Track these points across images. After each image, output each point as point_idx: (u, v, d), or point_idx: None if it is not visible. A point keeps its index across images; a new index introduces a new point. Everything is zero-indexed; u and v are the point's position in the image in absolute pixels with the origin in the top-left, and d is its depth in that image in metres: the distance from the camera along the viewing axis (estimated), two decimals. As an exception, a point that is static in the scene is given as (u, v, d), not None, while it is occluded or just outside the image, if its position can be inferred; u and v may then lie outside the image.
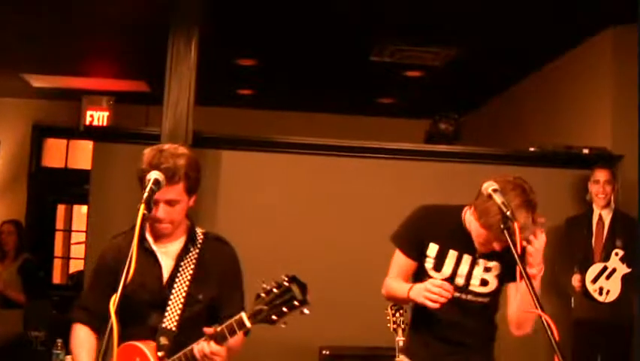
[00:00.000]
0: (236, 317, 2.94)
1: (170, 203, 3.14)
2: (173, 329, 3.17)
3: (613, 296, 6.05)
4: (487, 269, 3.38)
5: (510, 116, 9.33)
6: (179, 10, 6.16)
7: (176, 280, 3.23)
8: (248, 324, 2.90)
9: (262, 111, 10.47)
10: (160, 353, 3.12)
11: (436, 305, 3.18)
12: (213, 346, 2.98)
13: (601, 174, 6.34)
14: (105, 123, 9.64)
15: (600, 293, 6.05)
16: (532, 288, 2.72)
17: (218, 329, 2.99)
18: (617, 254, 6.10)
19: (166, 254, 3.27)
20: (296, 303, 2.83)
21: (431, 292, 3.20)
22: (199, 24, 6.19)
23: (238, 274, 3.45)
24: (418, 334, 3.69)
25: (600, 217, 6.32)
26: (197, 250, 3.32)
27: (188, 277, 3.24)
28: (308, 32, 7.59)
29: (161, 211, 3.12)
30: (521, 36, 7.40)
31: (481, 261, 3.40)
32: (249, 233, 6.22)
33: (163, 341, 3.15)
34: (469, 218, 3.31)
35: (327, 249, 6.17)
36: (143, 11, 6.88)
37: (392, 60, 8.25)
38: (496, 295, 3.50)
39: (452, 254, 3.42)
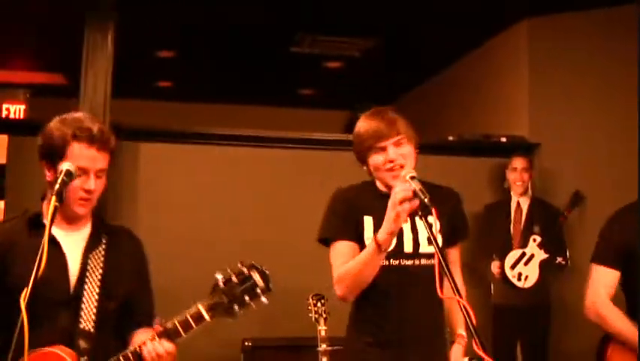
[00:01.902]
0: (192, 311, 2.75)
1: (99, 174, 2.88)
2: (91, 330, 2.82)
3: (531, 282, 6.14)
4: (430, 225, 2.99)
5: (430, 105, 9.40)
6: (94, 0, 6.07)
7: (87, 274, 2.88)
8: (207, 318, 2.73)
9: (182, 103, 10.37)
10: (82, 359, 2.77)
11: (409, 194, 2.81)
12: (166, 344, 2.76)
13: (518, 162, 6.44)
14: (22, 116, 9.44)
15: (519, 279, 6.14)
16: (451, 274, 2.66)
17: (168, 325, 2.76)
18: (534, 240, 6.20)
19: (72, 245, 2.92)
20: (259, 291, 2.71)
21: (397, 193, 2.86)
22: (115, 15, 6.10)
23: (148, 268, 3.17)
24: (365, 330, 3.20)
25: (518, 204, 6.41)
26: (105, 243, 2.99)
27: (100, 272, 2.90)
28: (227, 23, 7.54)
29: (92, 182, 2.85)
30: (439, 27, 7.46)
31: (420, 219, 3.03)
32: (170, 226, 6.18)
33: (83, 344, 2.79)
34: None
35: (249, 240, 6.13)
36: (59, 2, 6.75)
37: (311, 51, 8.25)
38: (444, 258, 3.28)
39: None
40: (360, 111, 6.62)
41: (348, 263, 3.08)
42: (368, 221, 3.17)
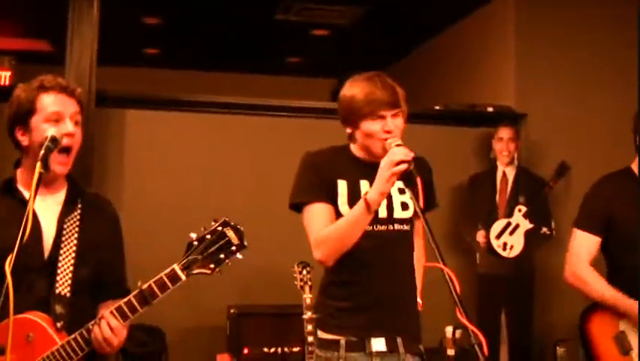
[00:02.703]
0: (167, 271, 2.71)
1: (75, 118, 2.87)
2: (67, 294, 2.79)
3: (516, 251, 6.17)
4: (401, 191, 3.13)
5: (417, 75, 9.39)
6: (80, -34, 6.01)
7: (63, 239, 2.85)
8: (182, 277, 2.70)
9: (169, 71, 10.33)
10: (59, 324, 2.75)
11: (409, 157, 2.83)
12: (114, 322, 2.73)
13: (504, 132, 6.44)
14: (7, 83, 9.39)
15: (504, 248, 6.17)
16: (435, 242, 2.66)
17: (144, 287, 2.72)
18: (520, 210, 6.23)
19: (47, 209, 2.89)
20: (233, 248, 2.69)
21: (396, 154, 2.85)
22: (101, -19, 6.05)
23: (122, 240, 3.12)
24: (338, 295, 3.17)
25: (504, 174, 6.43)
26: (81, 209, 2.95)
27: (75, 237, 2.87)
28: (214, -10, 7.51)
29: (69, 125, 2.83)
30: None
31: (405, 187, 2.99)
32: (156, 193, 6.18)
33: (59, 309, 2.76)
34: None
35: (235, 208, 6.08)
36: (44, -33, 6.71)
37: (298, 19, 8.22)
38: (413, 223, 3.23)
39: (364, 184, 3.11)
40: (345, 80, 6.61)
41: (331, 225, 3.05)
42: (342, 185, 3.13)
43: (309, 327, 4.82)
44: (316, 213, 3.10)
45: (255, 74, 10.49)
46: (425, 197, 2.95)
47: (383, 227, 3.11)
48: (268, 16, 8.16)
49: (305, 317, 4.82)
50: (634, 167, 3.79)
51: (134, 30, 8.89)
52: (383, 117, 3.04)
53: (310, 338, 4.82)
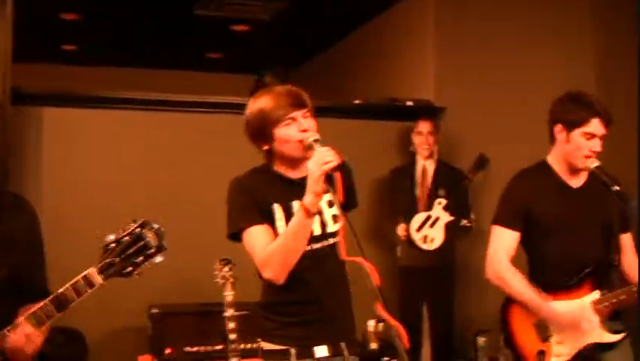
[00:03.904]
0: (84, 274, 2.63)
1: None
2: None
3: (436, 244, 6.24)
4: (330, 204, 3.12)
5: (338, 69, 9.42)
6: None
7: None
8: (99, 280, 2.62)
9: (87, 67, 10.18)
10: None
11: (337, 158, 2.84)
12: (28, 330, 2.65)
13: (424, 126, 6.50)
14: None
15: (425, 241, 6.23)
16: (355, 234, 2.68)
17: (61, 291, 2.65)
18: (440, 203, 6.29)
19: None
20: (152, 250, 2.64)
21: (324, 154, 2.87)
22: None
23: (41, 236, 3.02)
24: (278, 311, 3.19)
25: (424, 168, 6.48)
26: None
27: None
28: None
29: None
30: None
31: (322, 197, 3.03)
32: (76, 191, 6.09)
33: None
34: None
35: (156, 205, 6.03)
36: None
37: (218, 14, 8.17)
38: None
39: (296, 205, 3.07)
40: (265, 76, 6.61)
41: (273, 242, 3.03)
42: (278, 209, 3.11)
43: (231, 325, 4.81)
44: (257, 236, 3.07)
45: (175, 70, 10.41)
46: (346, 197, 2.97)
47: (319, 245, 3.11)
48: (187, 11, 8.09)
49: (227, 314, 4.81)
50: (549, 159, 3.86)
51: (52, 26, 8.75)
52: (294, 119, 3.05)
53: (232, 336, 4.81)
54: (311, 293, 3.11)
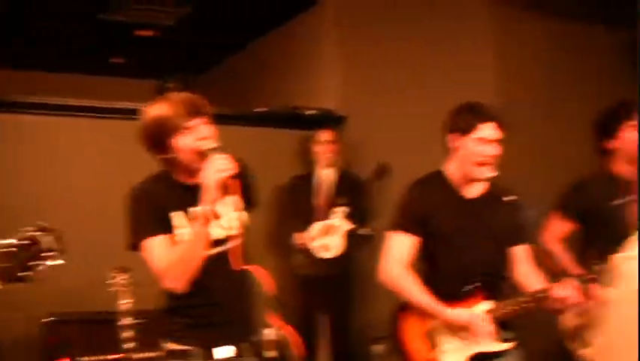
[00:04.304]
0: None
1: None
2: None
3: (335, 252, 6.29)
4: (227, 210, 3.15)
5: (242, 77, 9.39)
6: None
7: None
8: None
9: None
10: None
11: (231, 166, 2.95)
12: None
13: (325, 135, 6.55)
14: None
15: (323, 249, 6.27)
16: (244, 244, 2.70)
17: None
18: (340, 212, 6.33)
19: None
20: (47, 253, 2.53)
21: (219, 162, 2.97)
22: None
23: None
24: (181, 313, 3.22)
25: (324, 176, 6.54)
26: None
27: None
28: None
29: None
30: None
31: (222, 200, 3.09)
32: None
33: None
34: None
35: (56, 213, 5.93)
36: None
37: (122, 19, 8.07)
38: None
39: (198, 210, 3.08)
40: (168, 82, 6.56)
41: (172, 252, 3.06)
42: (178, 217, 3.13)
43: (128, 333, 4.76)
44: (157, 246, 3.09)
45: (79, 75, 10.23)
46: (245, 198, 2.99)
47: (219, 249, 3.13)
48: (91, 15, 7.98)
49: (123, 323, 4.75)
50: (445, 169, 3.92)
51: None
52: (191, 127, 3.05)
53: (129, 345, 4.76)
54: (212, 297, 3.14)
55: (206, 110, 3.10)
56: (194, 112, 3.05)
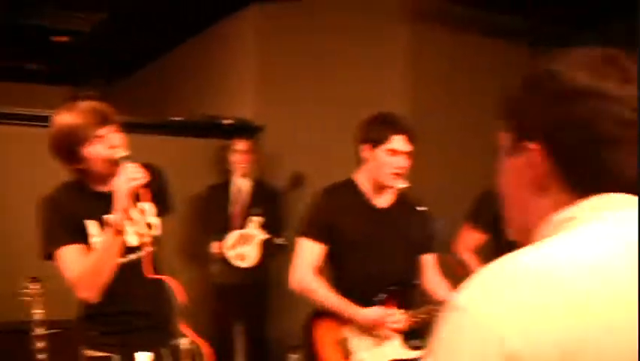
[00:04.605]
0: None
1: None
2: None
3: (251, 261, 6.31)
4: (144, 213, 3.15)
5: (163, 84, 9.34)
6: None
7: None
8: None
9: None
10: None
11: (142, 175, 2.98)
12: None
13: (241, 144, 6.56)
14: None
15: (239, 259, 6.28)
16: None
17: None
18: (255, 221, 6.35)
19: None
20: None
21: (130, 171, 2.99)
22: None
23: None
24: (98, 321, 3.27)
25: (240, 186, 6.55)
26: None
27: None
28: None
29: None
30: (173, 4, 7.44)
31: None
32: None
33: None
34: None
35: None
36: None
37: (38, 23, 7.98)
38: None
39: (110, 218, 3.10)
40: (83, 89, 6.50)
41: (85, 262, 3.06)
42: (92, 225, 3.14)
43: (41, 343, 4.70)
44: (70, 256, 3.10)
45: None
46: (158, 203, 3.01)
47: (134, 255, 3.16)
48: (6, 20, 7.86)
49: (35, 333, 4.69)
50: (357, 178, 3.98)
51: None
52: (101, 136, 3.06)
53: (41, 355, 4.70)
54: (129, 304, 3.19)
55: (115, 119, 3.11)
56: (103, 120, 3.06)
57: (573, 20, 6.74)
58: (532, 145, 1.26)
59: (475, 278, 1.14)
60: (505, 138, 1.34)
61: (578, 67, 1.25)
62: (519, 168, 1.30)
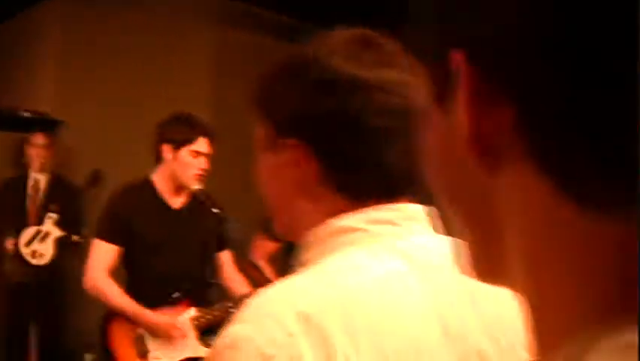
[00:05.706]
0: None
1: None
2: None
3: (46, 259, 6.13)
4: None
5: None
6: None
7: None
8: None
9: None
10: None
11: None
12: None
13: (39, 138, 6.38)
14: None
15: (33, 256, 6.10)
16: None
17: None
18: (51, 218, 6.20)
19: None
20: None
21: None
22: None
23: None
24: None
25: (36, 181, 6.36)
26: None
27: None
28: None
29: None
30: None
31: None
32: None
33: None
34: None
35: None
36: None
37: None
38: None
39: None
40: None
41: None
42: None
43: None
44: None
45: None
46: None
47: None
48: None
49: None
50: (154, 177, 3.97)
51: None
52: None
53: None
54: None
55: None
56: None
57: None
58: (290, 142, 1.12)
59: (246, 310, 1.01)
60: (262, 132, 1.20)
61: (337, 53, 1.10)
62: (280, 167, 1.15)
